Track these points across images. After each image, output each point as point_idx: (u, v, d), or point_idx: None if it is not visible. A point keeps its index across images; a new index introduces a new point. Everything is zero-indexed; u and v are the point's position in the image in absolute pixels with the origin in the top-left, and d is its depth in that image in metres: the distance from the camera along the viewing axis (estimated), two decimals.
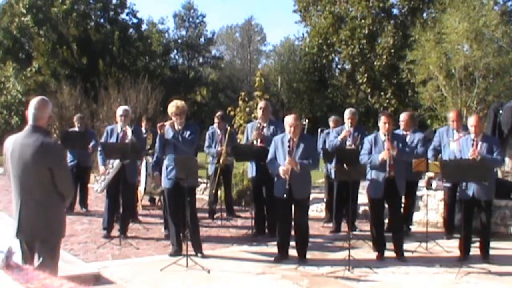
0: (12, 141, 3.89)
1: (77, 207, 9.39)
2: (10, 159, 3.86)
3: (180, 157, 6.24)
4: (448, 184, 7.31)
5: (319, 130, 9.24)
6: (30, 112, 3.89)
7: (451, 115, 7.66)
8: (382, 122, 6.31)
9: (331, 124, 8.71)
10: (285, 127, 6.31)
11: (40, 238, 3.89)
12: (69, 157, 9.60)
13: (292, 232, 6.38)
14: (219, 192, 9.10)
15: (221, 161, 8.41)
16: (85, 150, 9.20)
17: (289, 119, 6.24)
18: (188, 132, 6.28)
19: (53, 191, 3.85)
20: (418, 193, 8.05)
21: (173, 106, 6.27)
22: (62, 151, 4.15)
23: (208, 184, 9.29)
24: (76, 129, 9.76)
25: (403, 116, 7.61)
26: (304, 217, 6.35)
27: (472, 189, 6.13)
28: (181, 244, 6.30)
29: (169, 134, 6.27)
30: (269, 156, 6.39)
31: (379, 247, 6.42)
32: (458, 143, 6.66)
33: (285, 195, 6.03)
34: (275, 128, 7.53)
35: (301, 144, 6.16)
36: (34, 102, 3.94)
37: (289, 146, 6.11)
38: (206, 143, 8.74)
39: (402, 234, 6.63)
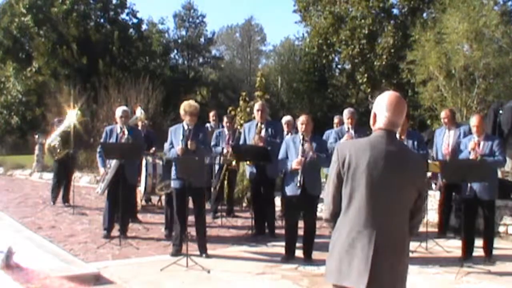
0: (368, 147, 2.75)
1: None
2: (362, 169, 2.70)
3: (180, 157, 6.24)
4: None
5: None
6: (381, 116, 2.83)
7: (442, 114, 7.81)
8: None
9: (336, 120, 9.01)
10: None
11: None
12: None
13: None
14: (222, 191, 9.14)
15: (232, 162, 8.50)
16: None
17: (300, 118, 6.34)
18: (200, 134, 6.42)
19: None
20: None
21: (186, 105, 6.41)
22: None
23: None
24: None
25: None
26: (313, 215, 6.37)
27: (474, 188, 6.11)
28: (182, 244, 6.30)
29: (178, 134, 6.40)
30: (280, 156, 6.39)
31: None
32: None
33: (298, 185, 6.04)
34: (272, 129, 7.59)
35: (313, 143, 6.21)
36: (392, 101, 2.87)
37: (302, 145, 6.12)
38: (213, 143, 8.75)
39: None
